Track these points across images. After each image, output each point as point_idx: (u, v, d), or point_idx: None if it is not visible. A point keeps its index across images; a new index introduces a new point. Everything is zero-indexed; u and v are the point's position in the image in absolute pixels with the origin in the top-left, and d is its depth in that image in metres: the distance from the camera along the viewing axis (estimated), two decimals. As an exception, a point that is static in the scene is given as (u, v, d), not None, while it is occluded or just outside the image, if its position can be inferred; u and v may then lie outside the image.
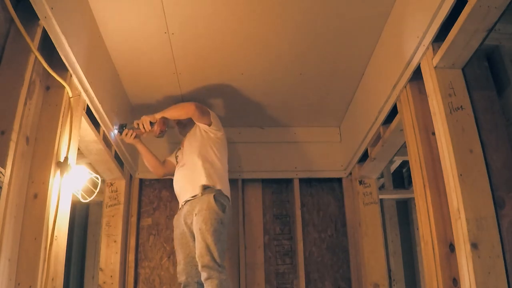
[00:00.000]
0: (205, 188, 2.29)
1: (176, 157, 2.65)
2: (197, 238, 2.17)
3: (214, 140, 2.48)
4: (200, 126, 2.52)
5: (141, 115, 2.46)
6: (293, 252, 3.09)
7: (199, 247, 2.14)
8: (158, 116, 2.45)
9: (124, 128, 2.48)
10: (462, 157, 1.63)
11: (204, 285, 2.10)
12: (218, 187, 2.32)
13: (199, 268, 2.13)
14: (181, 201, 2.44)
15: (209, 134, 2.49)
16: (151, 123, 2.43)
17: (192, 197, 2.31)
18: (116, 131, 2.47)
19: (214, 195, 2.25)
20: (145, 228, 3.04)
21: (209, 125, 2.50)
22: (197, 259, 2.14)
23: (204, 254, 2.10)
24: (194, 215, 2.23)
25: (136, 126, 2.46)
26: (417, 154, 1.91)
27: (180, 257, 2.35)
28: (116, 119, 2.48)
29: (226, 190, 2.38)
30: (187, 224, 2.32)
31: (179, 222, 2.40)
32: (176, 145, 2.83)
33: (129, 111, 2.85)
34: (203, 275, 2.09)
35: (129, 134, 2.47)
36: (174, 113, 2.50)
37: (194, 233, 2.23)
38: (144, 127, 2.42)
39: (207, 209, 2.20)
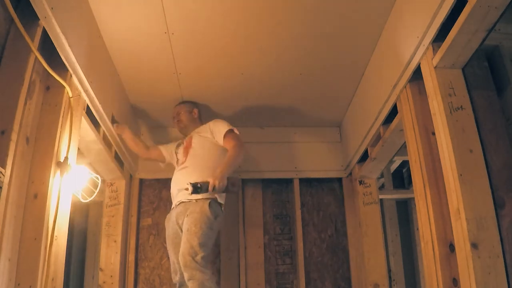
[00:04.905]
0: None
1: (176, 154, 2.62)
2: (183, 238, 2.18)
3: (221, 147, 2.48)
4: (213, 131, 2.50)
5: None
6: (293, 252, 3.09)
7: (183, 247, 2.14)
8: (219, 174, 2.19)
9: (200, 190, 2.15)
10: (462, 157, 1.63)
11: (188, 285, 2.10)
12: (215, 195, 2.31)
13: (182, 267, 2.12)
14: (175, 201, 2.43)
15: (219, 140, 2.48)
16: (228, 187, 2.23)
17: (188, 200, 2.31)
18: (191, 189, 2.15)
19: (209, 203, 2.26)
20: (145, 228, 3.04)
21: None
22: (179, 258, 2.14)
23: (187, 254, 2.10)
24: (186, 215, 2.25)
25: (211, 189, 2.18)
26: (417, 154, 1.91)
27: (173, 257, 2.34)
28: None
29: (221, 198, 2.38)
30: (179, 224, 2.33)
31: (170, 221, 2.41)
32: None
33: (129, 110, 2.86)
34: (185, 275, 2.09)
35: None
36: (235, 164, 2.33)
37: None
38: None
39: (200, 212, 2.22)
